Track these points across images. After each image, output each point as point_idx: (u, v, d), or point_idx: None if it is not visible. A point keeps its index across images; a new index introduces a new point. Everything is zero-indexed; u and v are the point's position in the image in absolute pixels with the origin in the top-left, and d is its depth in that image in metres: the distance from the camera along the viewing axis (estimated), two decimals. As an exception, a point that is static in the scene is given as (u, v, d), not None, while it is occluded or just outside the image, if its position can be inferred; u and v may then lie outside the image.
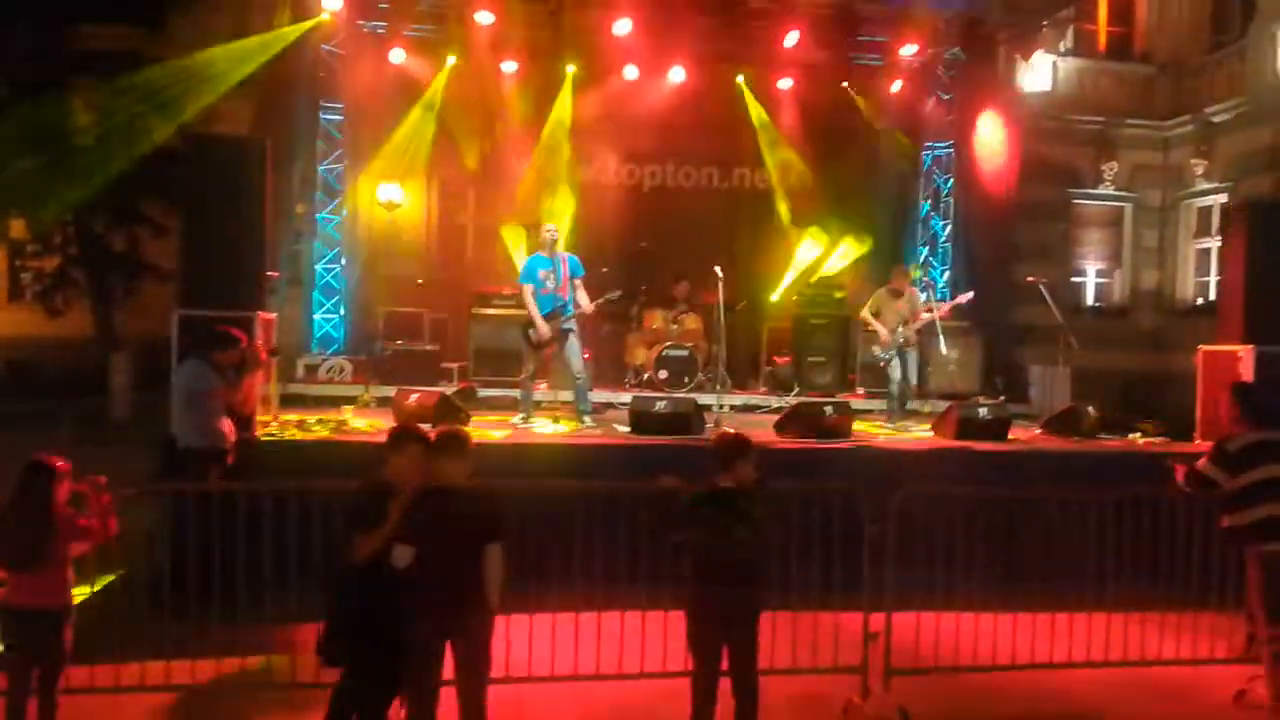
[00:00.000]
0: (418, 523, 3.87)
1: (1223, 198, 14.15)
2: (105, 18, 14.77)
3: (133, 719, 4.72)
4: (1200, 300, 14.79)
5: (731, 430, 4.87)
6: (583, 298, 8.57)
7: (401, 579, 3.85)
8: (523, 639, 4.98)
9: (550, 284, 8.43)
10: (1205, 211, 14.93)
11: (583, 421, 8.53)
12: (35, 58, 13.93)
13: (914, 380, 9.77)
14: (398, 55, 12.12)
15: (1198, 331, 11.34)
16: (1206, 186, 14.61)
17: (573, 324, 8.52)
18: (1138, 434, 8.83)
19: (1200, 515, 5.82)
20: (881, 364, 9.76)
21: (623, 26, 11.61)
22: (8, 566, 4.08)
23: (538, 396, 9.19)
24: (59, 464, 4.12)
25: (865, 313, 9.78)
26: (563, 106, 12.58)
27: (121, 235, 15.66)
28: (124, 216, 15.35)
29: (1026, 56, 13.04)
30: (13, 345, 16.20)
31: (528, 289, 8.44)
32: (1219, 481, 5.38)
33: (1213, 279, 14.29)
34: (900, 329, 9.44)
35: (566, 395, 9.49)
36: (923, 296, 9.89)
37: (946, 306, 10.14)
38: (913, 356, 9.65)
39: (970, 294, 10.32)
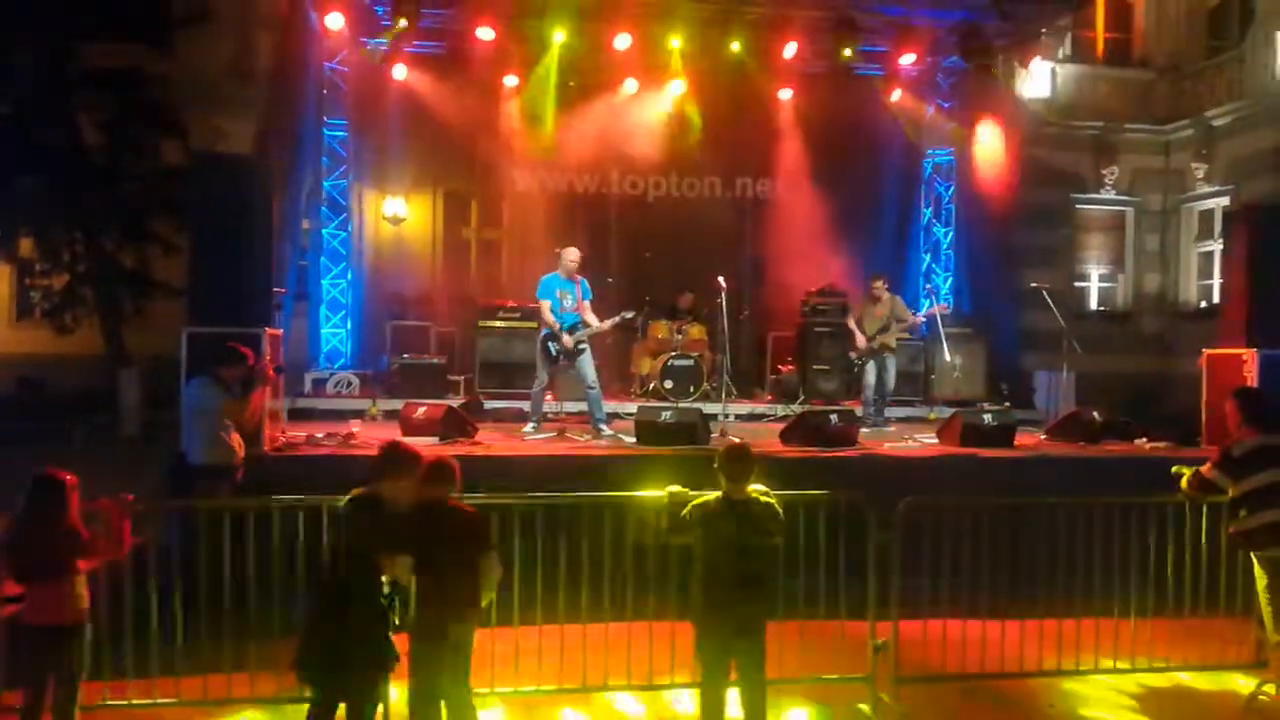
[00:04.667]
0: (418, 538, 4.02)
1: (1224, 201, 14.17)
2: (108, 36, 14.85)
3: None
4: (1203, 303, 14.79)
5: (738, 441, 4.90)
6: (592, 318, 8.76)
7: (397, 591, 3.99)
8: (531, 650, 5.01)
9: (567, 303, 8.68)
10: (1206, 215, 14.94)
11: (599, 430, 8.63)
12: (40, 77, 14.02)
13: (890, 385, 10.00)
14: (400, 72, 12.21)
15: (1201, 335, 11.34)
16: (1207, 190, 14.63)
17: (586, 340, 8.67)
18: (1143, 439, 8.84)
19: (1207, 520, 5.82)
20: (855, 368, 10.04)
21: (622, 40, 11.69)
22: (24, 581, 4.10)
23: (546, 408, 9.27)
24: (68, 478, 4.16)
25: (850, 319, 10.22)
26: (565, 118, 12.66)
27: (130, 253, 15.73)
28: (132, 234, 15.42)
29: (1025, 64, 13.08)
30: (22, 363, 16.24)
31: (545, 304, 8.62)
32: (1224, 487, 5.39)
33: (1215, 282, 14.30)
34: (878, 336, 9.64)
35: (573, 406, 9.54)
36: (926, 303, 9.99)
37: (921, 317, 10.38)
38: (891, 361, 9.83)
39: (948, 305, 10.59)
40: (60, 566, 4.07)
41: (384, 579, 4.01)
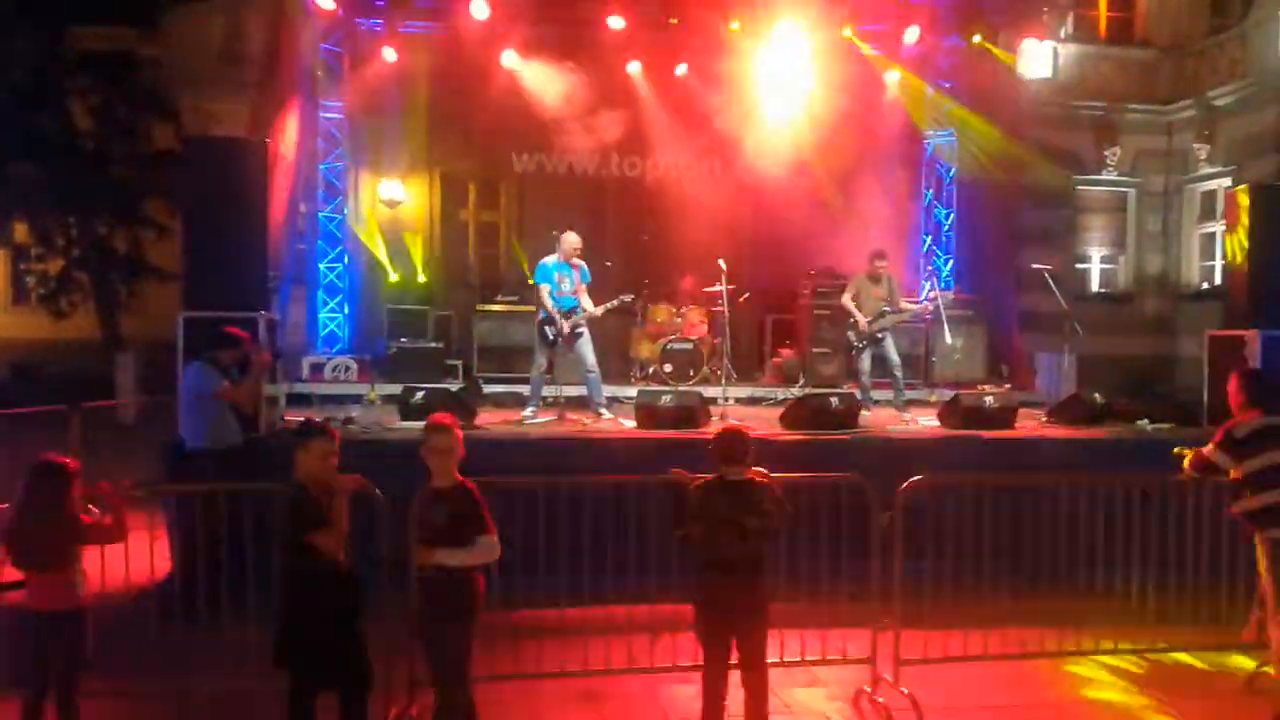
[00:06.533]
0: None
1: (1226, 181, 14.07)
2: (98, 19, 14.74)
3: (145, 720, 4.74)
4: (1205, 285, 14.73)
5: (735, 423, 4.87)
6: (588, 303, 8.68)
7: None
8: (533, 634, 5.00)
9: (565, 286, 8.60)
10: (1209, 195, 14.86)
11: (599, 414, 8.59)
12: (31, 61, 13.92)
13: (896, 360, 9.60)
14: (395, 53, 12.10)
15: (1203, 316, 11.30)
16: (1209, 170, 14.54)
17: (583, 323, 8.61)
18: (1144, 420, 8.80)
19: (1208, 501, 5.80)
20: (853, 351, 9.70)
21: (616, 21, 11.58)
22: (26, 569, 4.07)
23: (545, 392, 9.23)
24: (69, 464, 4.12)
25: (845, 298, 9.75)
26: (562, 99, 12.55)
27: (124, 237, 15.68)
28: (126, 218, 15.36)
29: (1027, 41, 12.97)
30: (17, 348, 16.23)
31: (544, 289, 8.54)
32: (1226, 467, 5.37)
33: (1218, 263, 14.24)
34: (877, 320, 9.43)
35: (571, 390, 9.49)
36: (926, 286, 9.88)
37: (920, 305, 10.10)
38: (890, 341, 9.57)
39: (949, 290, 10.36)
40: (61, 553, 4.04)
41: (341, 560, 3.99)
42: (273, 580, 4.85)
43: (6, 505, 4.16)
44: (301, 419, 4.37)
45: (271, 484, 5.15)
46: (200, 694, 4.86)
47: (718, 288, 9.87)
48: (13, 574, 4.21)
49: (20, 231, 15.52)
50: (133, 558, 4.89)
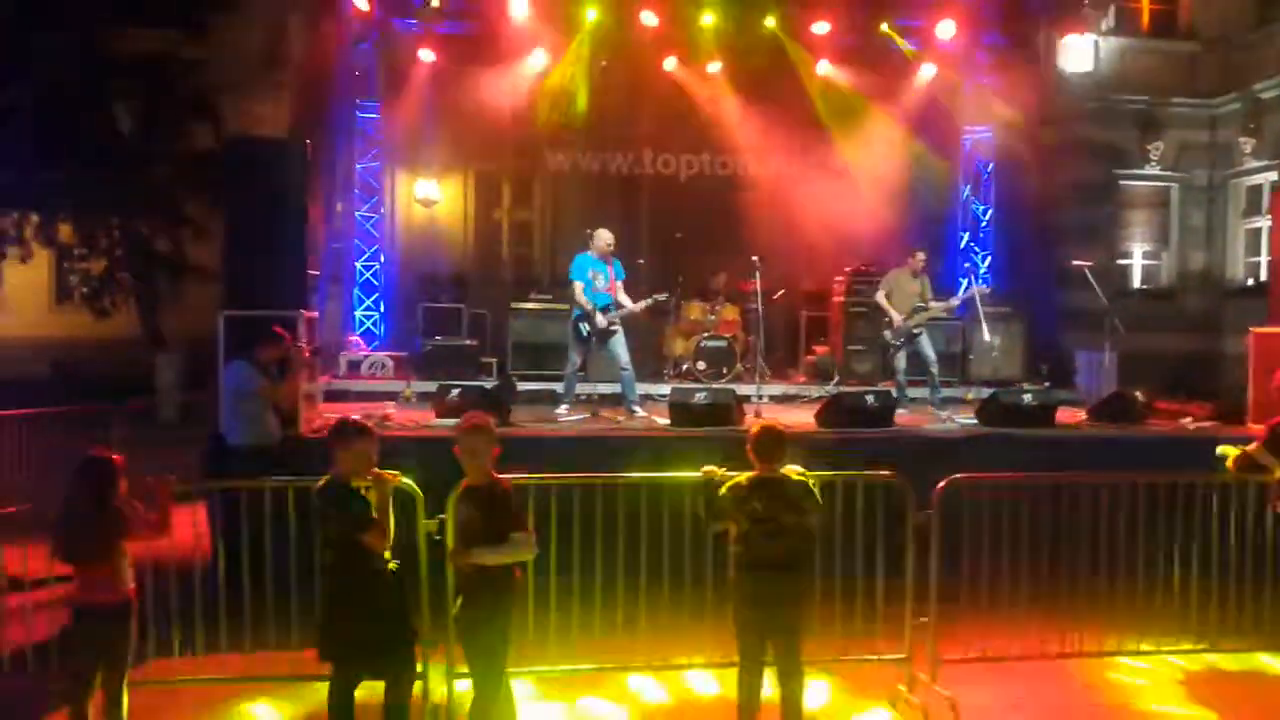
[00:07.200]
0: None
1: (1272, 175, 13.77)
2: (144, 21, 14.98)
3: (190, 711, 4.82)
4: (1250, 281, 14.43)
5: (771, 420, 4.85)
6: (625, 299, 8.69)
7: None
8: (567, 629, 5.02)
9: (600, 283, 8.62)
10: (1254, 190, 14.55)
11: (632, 411, 8.60)
12: (76, 62, 14.18)
13: (933, 356, 9.46)
14: (432, 53, 12.19)
15: (1248, 313, 11.04)
16: (1255, 165, 14.23)
17: (618, 321, 8.63)
18: (1187, 419, 8.65)
19: (1252, 501, 5.69)
20: (888, 349, 9.55)
21: (649, 18, 11.58)
22: (73, 563, 4.17)
23: (578, 389, 9.26)
24: (115, 459, 4.20)
25: (880, 294, 9.64)
26: (596, 99, 12.58)
27: (165, 237, 15.94)
28: (168, 218, 15.61)
29: (1068, 35, 12.78)
30: (61, 347, 16.55)
31: (577, 285, 8.56)
32: (1271, 467, 5.27)
33: (1263, 259, 13.93)
34: (913, 315, 9.27)
35: (605, 388, 9.52)
36: (964, 282, 9.76)
37: (956, 300, 9.92)
38: (926, 338, 9.45)
39: (987, 286, 10.21)
40: (107, 547, 4.12)
41: (387, 555, 4.05)
42: (314, 574, 4.92)
43: (59, 504, 4.26)
44: (339, 416, 4.42)
45: (313, 480, 5.24)
46: (244, 683, 4.95)
47: (752, 284, 9.83)
48: (62, 568, 4.31)
49: (64, 232, 15.82)
50: (178, 551, 4.98)
